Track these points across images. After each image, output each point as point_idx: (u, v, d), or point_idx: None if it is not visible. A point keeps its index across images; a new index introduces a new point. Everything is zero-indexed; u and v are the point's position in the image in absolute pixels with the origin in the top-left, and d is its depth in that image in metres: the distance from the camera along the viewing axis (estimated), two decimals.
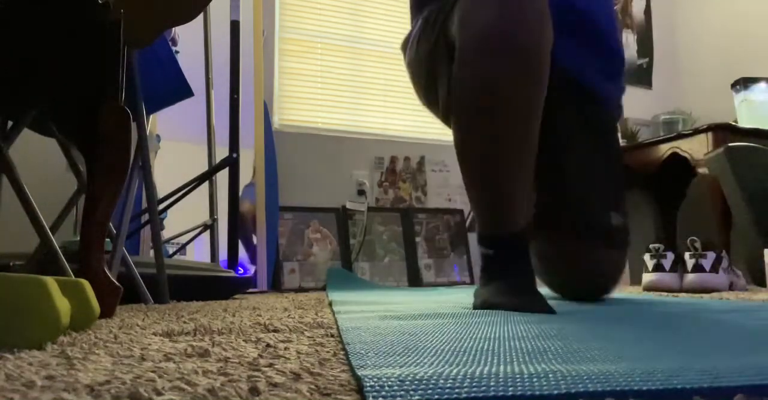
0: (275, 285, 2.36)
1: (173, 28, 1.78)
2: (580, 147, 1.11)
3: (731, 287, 1.61)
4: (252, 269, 2.21)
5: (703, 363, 0.32)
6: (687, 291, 1.54)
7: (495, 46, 0.85)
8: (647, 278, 1.62)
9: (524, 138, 0.87)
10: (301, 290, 2.36)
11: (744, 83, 2.61)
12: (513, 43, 0.84)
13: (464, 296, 1.34)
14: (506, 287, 0.85)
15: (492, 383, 0.28)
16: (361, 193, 2.77)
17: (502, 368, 0.32)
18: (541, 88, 0.87)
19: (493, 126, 0.87)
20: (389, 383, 0.28)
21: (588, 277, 1.08)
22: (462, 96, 0.90)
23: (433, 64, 1.04)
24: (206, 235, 1.96)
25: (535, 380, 0.28)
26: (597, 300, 1.12)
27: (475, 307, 0.87)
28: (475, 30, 0.87)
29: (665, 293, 1.50)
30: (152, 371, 0.35)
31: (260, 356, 0.42)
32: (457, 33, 0.91)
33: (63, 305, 0.53)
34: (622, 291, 1.62)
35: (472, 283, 2.73)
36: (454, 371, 0.31)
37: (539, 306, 0.79)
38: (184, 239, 2.07)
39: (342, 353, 0.44)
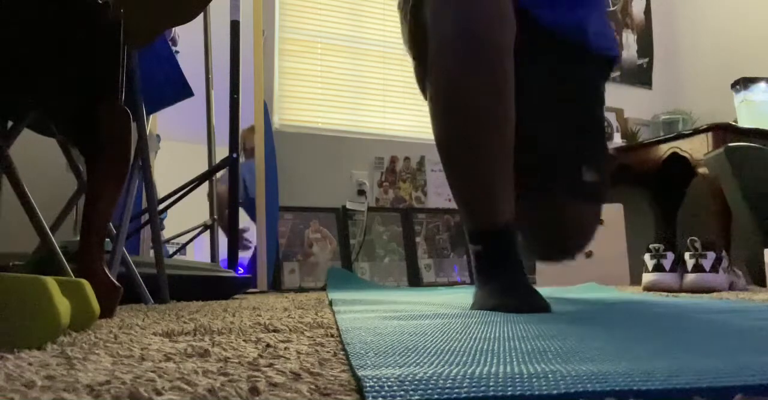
0: (275, 285, 2.36)
1: (173, 28, 1.78)
2: (542, 106, 1.08)
3: (731, 287, 1.61)
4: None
5: (702, 363, 0.32)
6: (687, 291, 1.54)
7: (460, 49, 0.87)
8: (647, 278, 1.62)
9: (501, 137, 0.89)
10: (301, 290, 2.37)
11: (744, 83, 2.62)
12: (479, 45, 0.87)
13: (464, 296, 1.34)
14: (501, 287, 0.85)
15: (491, 384, 0.28)
16: (361, 193, 2.77)
17: (501, 368, 0.32)
18: (509, 81, 0.89)
19: (467, 126, 0.89)
20: (389, 383, 0.28)
21: (557, 232, 1.08)
22: (436, 99, 0.92)
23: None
24: (206, 235, 1.96)
25: (534, 380, 0.28)
26: (570, 257, 1.13)
27: (473, 308, 0.88)
28: (442, 33, 0.90)
29: (665, 293, 1.50)
30: (152, 371, 0.35)
31: (260, 356, 0.42)
32: (430, 29, 0.93)
33: (63, 305, 0.53)
34: (623, 291, 1.62)
35: (472, 283, 2.73)
36: (454, 371, 0.31)
37: (535, 305, 0.80)
38: (184, 239, 2.07)
39: (342, 353, 0.44)
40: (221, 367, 0.37)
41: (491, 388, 0.27)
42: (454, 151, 0.92)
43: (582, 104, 1.14)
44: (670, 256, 1.60)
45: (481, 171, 0.89)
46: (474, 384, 0.28)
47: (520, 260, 0.89)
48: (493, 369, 0.31)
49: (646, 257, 1.64)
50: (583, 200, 1.09)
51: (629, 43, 3.46)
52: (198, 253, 2.29)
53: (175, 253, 2.14)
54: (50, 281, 0.51)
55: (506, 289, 0.84)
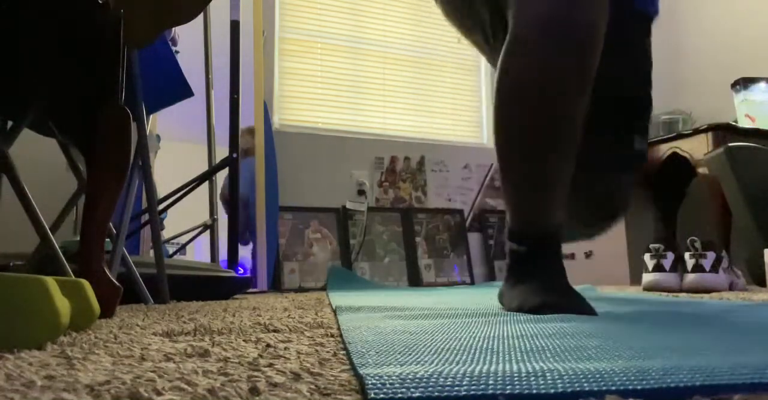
0: (275, 285, 2.36)
1: (173, 28, 1.78)
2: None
3: (731, 287, 1.61)
4: (249, 262, 2.20)
5: (697, 362, 0.32)
6: (687, 291, 1.54)
7: (554, 35, 0.79)
8: (647, 278, 1.62)
9: (571, 133, 0.81)
10: (301, 290, 2.37)
11: (744, 83, 2.62)
12: (573, 30, 0.79)
13: (465, 296, 1.34)
14: (542, 285, 0.79)
15: (490, 382, 0.28)
16: (361, 193, 2.77)
17: (500, 366, 0.32)
18: (594, 70, 0.81)
19: (541, 119, 0.81)
20: (390, 381, 0.28)
21: (603, 205, 1.02)
22: (510, 85, 0.83)
23: None
24: (206, 235, 1.96)
25: (532, 378, 0.28)
26: (608, 229, 1.06)
27: (510, 309, 0.82)
28: (533, 15, 0.81)
29: (665, 293, 1.50)
30: (152, 371, 0.35)
31: (260, 356, 0.42)
32: (512, 16, 0.83)
33: (63, 305, 0.53)
34: (622, 291, 1.62)
35: (472, 283, 2.73)
36: (454, 369, 0.31)
37: (583, 306, 0.74)
38: (184, 239, 2.07)
39: (342, 352, 0.44)
40: (221, 367, 0.37)
41: (490, 386, 0.27)
42: (523, 140, 0.83)
43: (633, 63, 1.00)
44: (670, 256, 1.60)
45: (548, 166, 0.82)
46: (473, 382, 0.28)
47: (562, 263, 0.84)
48: (493, 367, 0.31)
49: (646, 257, 1.64)
50: (633, 169, 1.01)
51: None
52: (198, 253, 2.29)
53: (175, 253, 2.14)
54: (50, 281, 0.51)
55: (547, 287, 0.78)
